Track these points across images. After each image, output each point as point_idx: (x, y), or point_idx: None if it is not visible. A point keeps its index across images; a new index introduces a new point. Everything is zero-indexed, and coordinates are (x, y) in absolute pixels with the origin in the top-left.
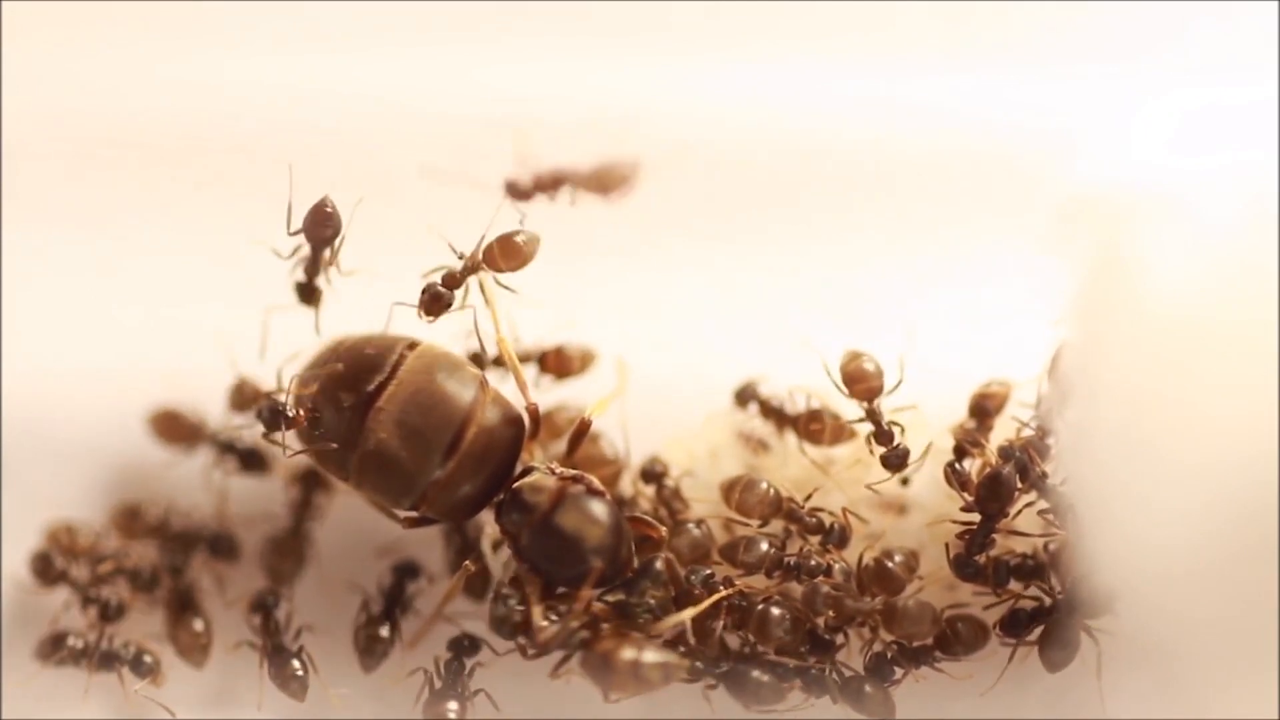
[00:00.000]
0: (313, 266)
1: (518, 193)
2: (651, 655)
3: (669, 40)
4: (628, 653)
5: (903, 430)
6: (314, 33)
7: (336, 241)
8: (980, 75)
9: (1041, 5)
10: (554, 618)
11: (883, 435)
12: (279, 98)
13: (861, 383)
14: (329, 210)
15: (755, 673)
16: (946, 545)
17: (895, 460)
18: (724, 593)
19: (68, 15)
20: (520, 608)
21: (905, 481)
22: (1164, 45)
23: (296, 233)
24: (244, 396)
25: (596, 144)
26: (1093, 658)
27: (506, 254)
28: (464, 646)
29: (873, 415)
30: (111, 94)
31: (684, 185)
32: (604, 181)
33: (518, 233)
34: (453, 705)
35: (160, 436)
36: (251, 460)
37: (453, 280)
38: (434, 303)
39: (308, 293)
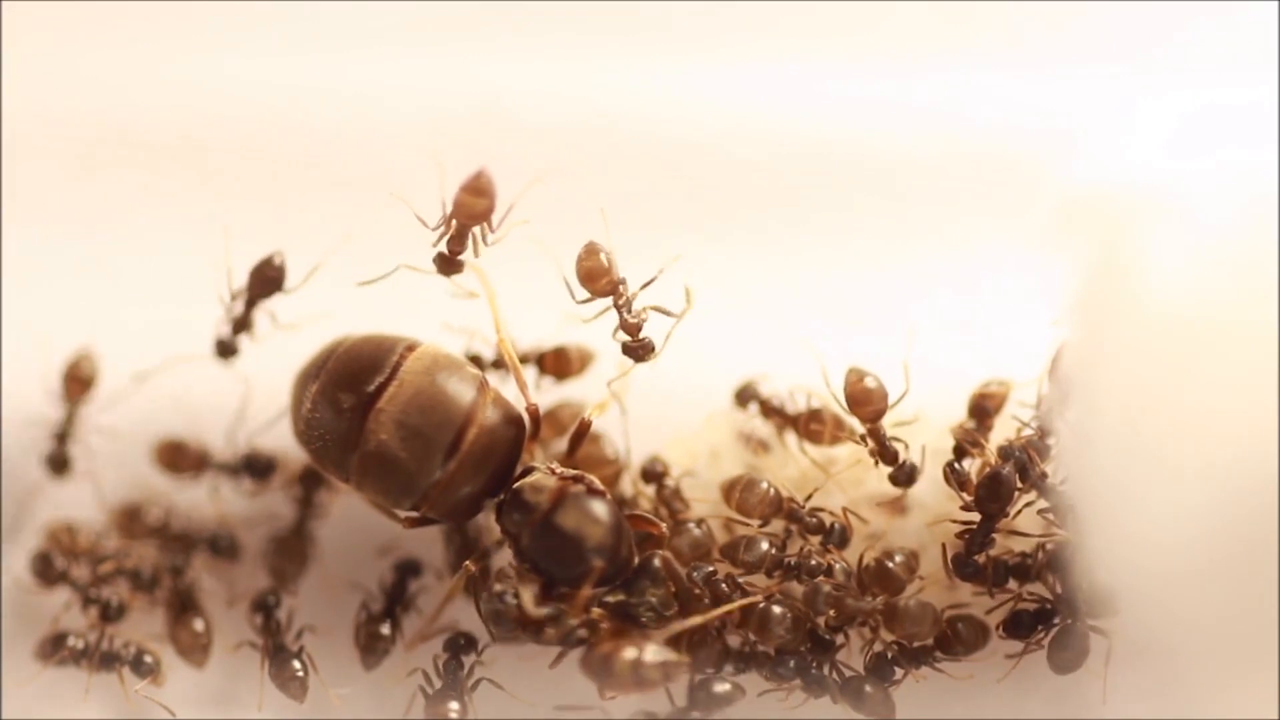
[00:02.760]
0: (241, 322)
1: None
2: (652, 655)
3: (669, 40)
4: (628, 653)
5: (906, 446)
6: (314, 33)
7: (276, 294)
8: (980, 75)
9: (1041, 5)
10: (547, 610)
11: (887, 454)
12: (279, 98)
13: (866, 405)
14: (277, 264)
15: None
16: (944, 545)
17: (904, 479)
18: (738, 603)
19: (68, 15)
20: (514, 601)
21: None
22: (1164, 45)
23: (248, 286)
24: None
25: (593, 145)
26: (1093, 658)
27: (469, 213)
28: (460, 646)
29: (876, 435)
30: (111, 93)
31: (685, 185)
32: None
33: (464, 188)
34: (454, 705)
35: (165, 468)
36: (260, 469)
37: (456, 244)
38: (446, 267)
39: (225, 349)
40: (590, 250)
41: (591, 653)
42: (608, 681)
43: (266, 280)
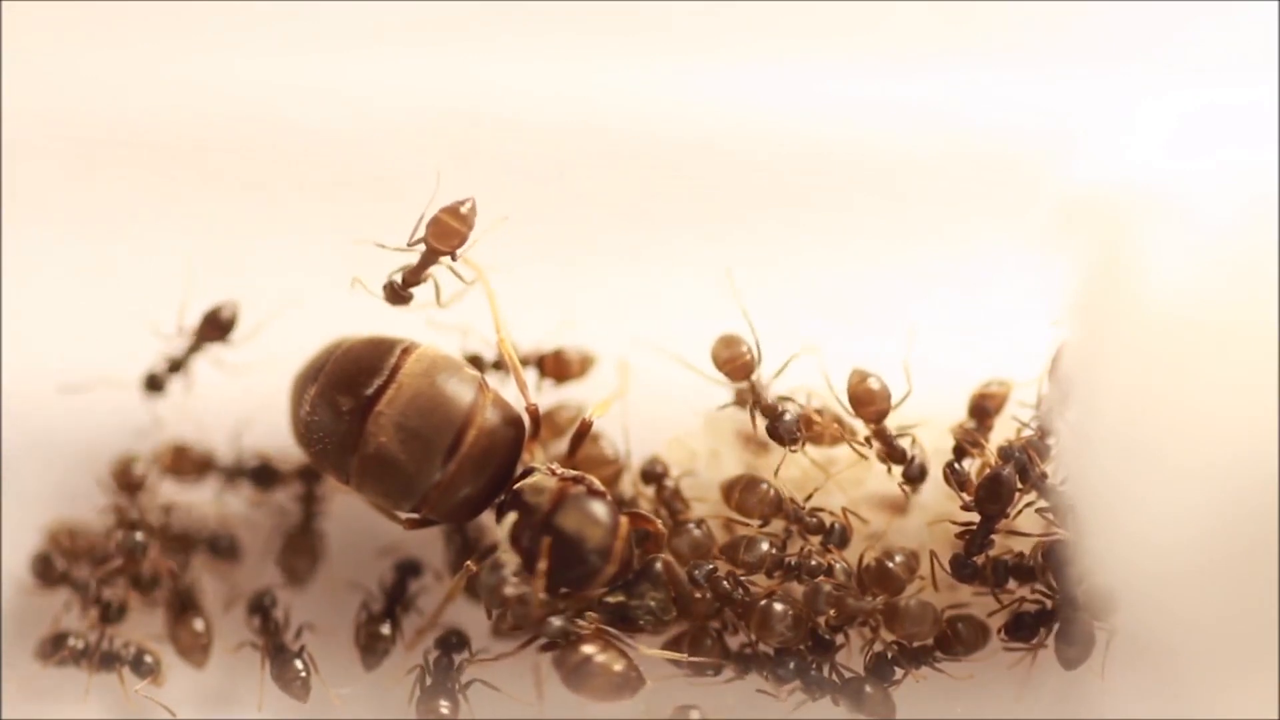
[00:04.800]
0: (178, 362)
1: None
2: (624, 665)
3: (669, 40)
4: (604, 659)
5: (914, 441)
6: (314, 33)
7: (213, 344)
8: (980, 75)
9: (1041, 5)
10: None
11: (895, 453)
12: (279, 98)
13: (869, 405)
14: (226, 316)
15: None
16: (932, 553)
17: (916, 475)
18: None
19: (68, 15)
20: (514, 578)
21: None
22: (1164, 45)
23: (198, 329)
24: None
25: (593, 145)
26: (1094, 656)
27: (441, 235)
28: (452, 644)
29: (881, 435)
30: (112, 93)
31: (684, 185)
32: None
33: (446, 210)
34: (445, 702)
35: (169, 472)
36: (264, 476)
37: (411, 277)
38: (394, 298)
39: (154, 384)
40: (728, 340)
41: (567, 656)
42: (582, 686)
43: (216, 326)
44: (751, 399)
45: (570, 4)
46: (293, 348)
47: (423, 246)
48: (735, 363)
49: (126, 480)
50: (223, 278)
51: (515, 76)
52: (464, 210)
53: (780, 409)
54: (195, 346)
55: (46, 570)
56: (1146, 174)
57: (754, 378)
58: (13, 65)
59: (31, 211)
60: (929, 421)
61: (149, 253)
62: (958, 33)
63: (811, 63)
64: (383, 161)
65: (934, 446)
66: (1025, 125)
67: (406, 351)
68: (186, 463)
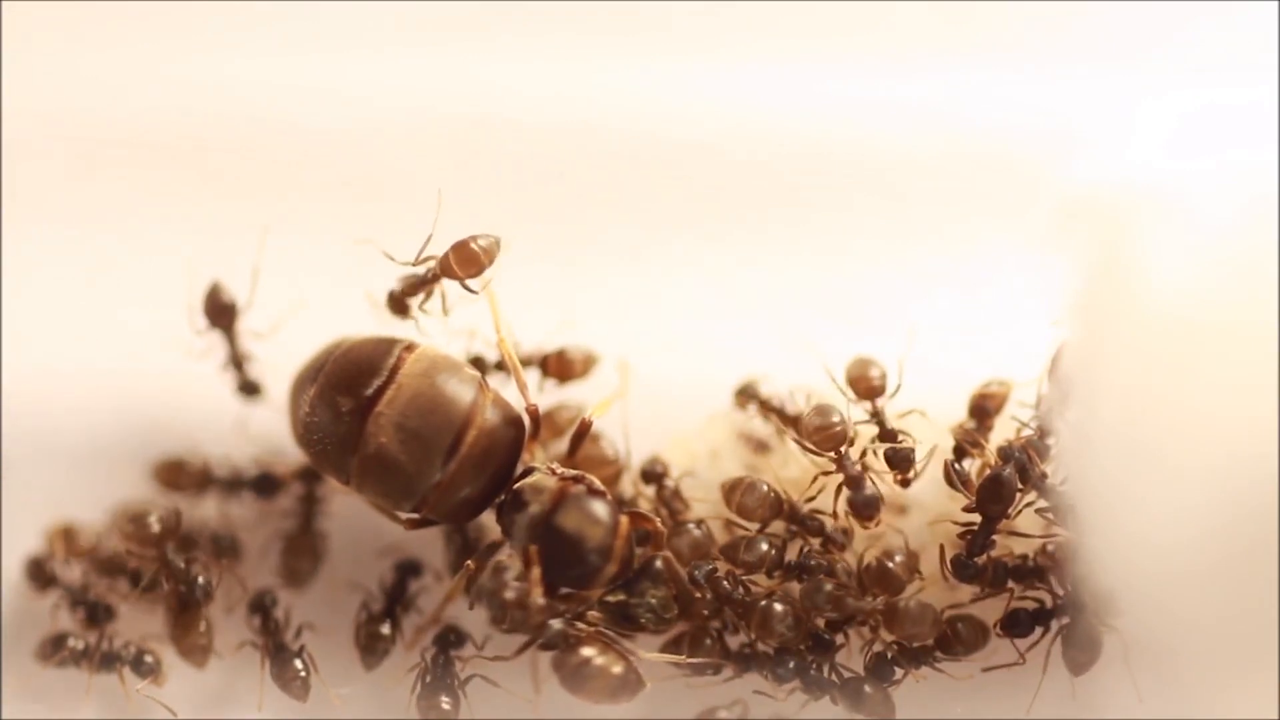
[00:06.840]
0: (236, 357)
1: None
2: (623, 667)
3: (669, 40)
4: (603, 661)
5: (912, 439)
6: (314, 33)
7: (236, 325)
8: (980, 75)
9: (1041, 5)
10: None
11: (887, 435)
12: (279, 98)
13: (863, 380)
14: (224, 300)
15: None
16: (941, 547)
17: (899, 459)
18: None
19: (68, 15)
20: (517, 583)
21: (907, 483)
22: (1164, 45)
23: (210, 322)
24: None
25: (593, 145)
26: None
27: (463, 261)
28: (450, 641)
29: (877, 416)
30: (112, 93)
31: (684, 185)
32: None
33: (475, 238)
34: (445, 698)
35: (166, 487)
36: (264, 486)
37: (411, 289)
38: (396, 308)
39: (248, 389)
40: (820, 410)
41: (567, 658)
42: (581, 689)
43: (223, 309)
44: (840, 468)
45: (570, 4)
46: (293, 348)
47: (432, 264)
48: (826, 432)
49: (143, 535)
50: (223, 278)
51: (515, 76)
52: (486, 244)
53: (862, 481)
54: (228, 335)
55: (39, 574)
56: (1146, 174)
57: (844, 450)
58: (13, 65)
59: (31, 211)
60: (926, 411)
61: (149, 253)
62: (958, 33)
63: (811, 63)
64: (383, 161)
65: (933, 446)
66: (1025, 125)
67: (407, 351)
68: (184, 477)
